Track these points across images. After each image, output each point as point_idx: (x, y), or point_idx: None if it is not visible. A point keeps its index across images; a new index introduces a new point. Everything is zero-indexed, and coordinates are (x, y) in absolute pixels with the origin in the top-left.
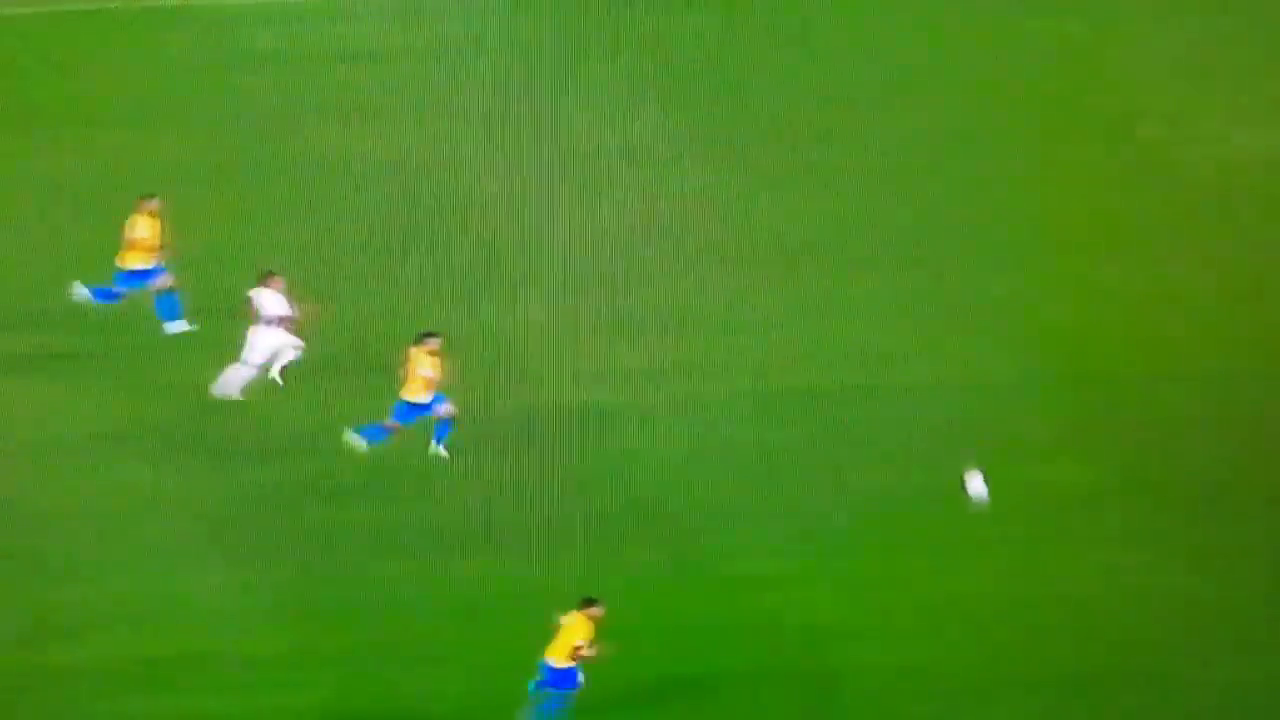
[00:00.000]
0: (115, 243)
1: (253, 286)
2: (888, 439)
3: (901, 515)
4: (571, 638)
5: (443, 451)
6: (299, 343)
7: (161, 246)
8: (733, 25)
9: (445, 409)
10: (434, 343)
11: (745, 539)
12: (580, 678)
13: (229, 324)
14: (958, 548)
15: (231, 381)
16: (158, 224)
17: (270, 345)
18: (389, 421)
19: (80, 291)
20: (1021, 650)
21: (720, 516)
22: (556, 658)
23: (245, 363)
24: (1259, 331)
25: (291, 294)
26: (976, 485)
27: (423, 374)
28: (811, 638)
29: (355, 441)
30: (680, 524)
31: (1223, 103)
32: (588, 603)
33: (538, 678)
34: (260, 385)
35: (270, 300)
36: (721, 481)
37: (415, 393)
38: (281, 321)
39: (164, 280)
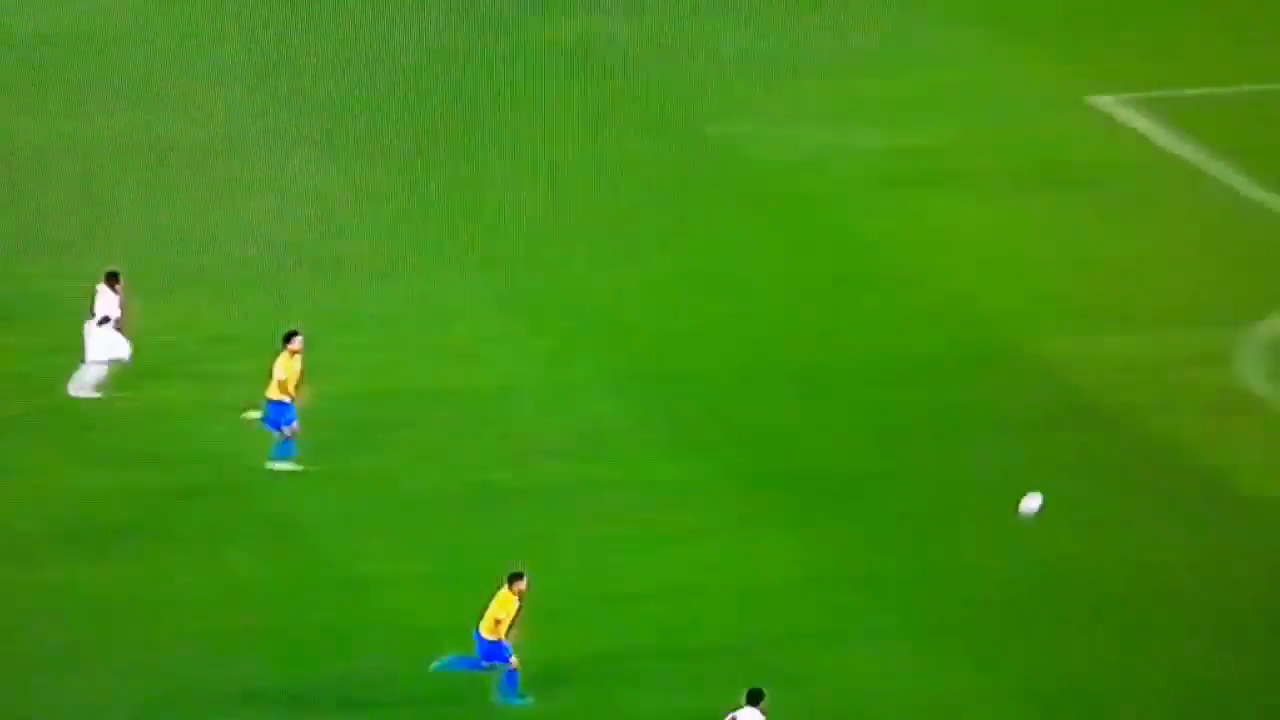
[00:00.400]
0: None
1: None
2: (507, 437)
3: (510, 515)
4: (499, 612)
5: (277, 466)
6: (125, 343)
7: None
8: None
9: (290, 429)
10: (297, 342)
11: (367, 541)
12: (511, 657)
13: None
14: (565, 545)
15: (86, 380)
16: None
17: (108, 343)
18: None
19: None
20: (637, 642)
21: (342, 519)
22: (487, 631)
23: (92, 361)
24: (842, 322)
25: (125, 293)
26: (1030, 503)
27: (280, 376)
28: (428, 639)
29: (279, 466)
30: (305, 527)
31: (789, 101)
32: (515, 577)
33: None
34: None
35: (106, 299)
36: (341, 484)
37: (274, 392)
38: (110, 321)
39: None
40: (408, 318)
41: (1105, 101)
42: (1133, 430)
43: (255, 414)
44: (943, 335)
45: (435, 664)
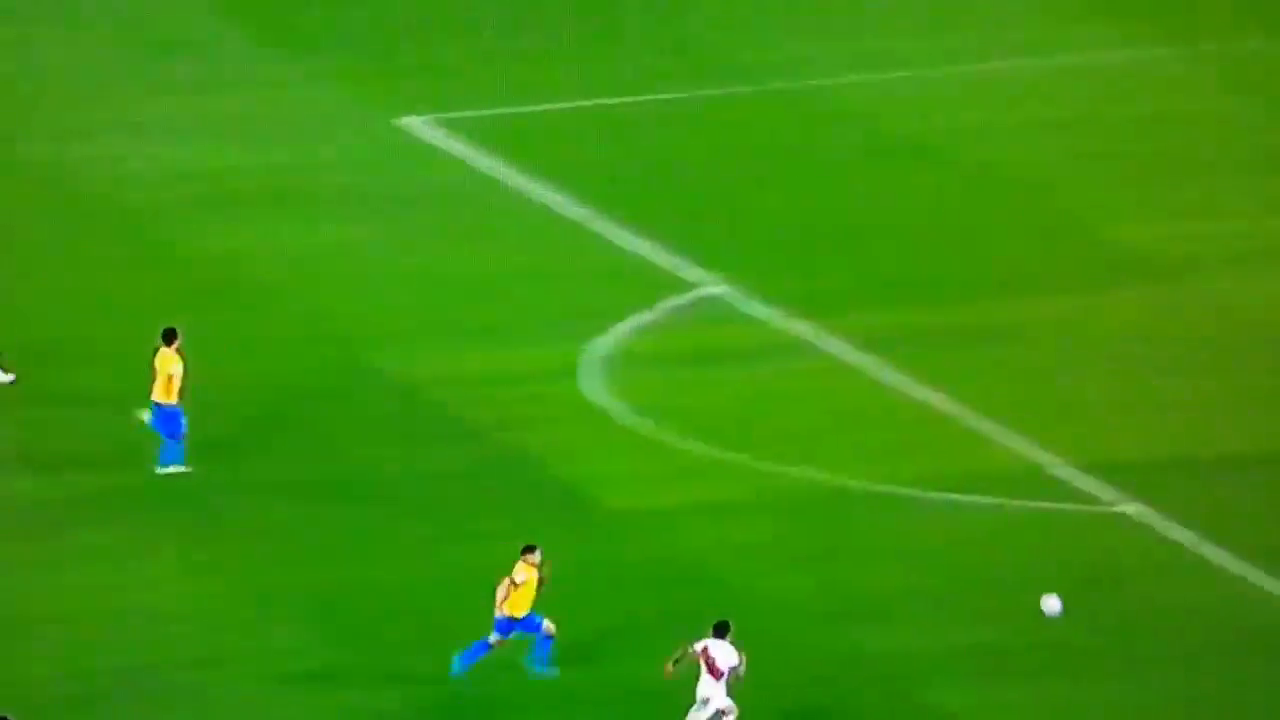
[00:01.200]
0: None
1: None
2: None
3: None
4: (524, 587)
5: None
6: None
7: None
8: None
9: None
10: (179, 340)
11: None
12: (546, 626)
13: None
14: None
15: None
16: None
17: None
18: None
19: None
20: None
21: None
22: (514, 610)
23: None
24: (204, 343)
25: None
26: (1052, 605)
27: (168, 373)
28: None
29: (167, 471)
30: None
31: (114, 120)
32: (528, 550)
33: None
34: None
35: None
36: None
37: (160, 394)
38: None
39: None
40: None
41: (413, 122)
42: (497, 444)
43: (146, 414)
44: (301, 355)
45: (458, 666)
